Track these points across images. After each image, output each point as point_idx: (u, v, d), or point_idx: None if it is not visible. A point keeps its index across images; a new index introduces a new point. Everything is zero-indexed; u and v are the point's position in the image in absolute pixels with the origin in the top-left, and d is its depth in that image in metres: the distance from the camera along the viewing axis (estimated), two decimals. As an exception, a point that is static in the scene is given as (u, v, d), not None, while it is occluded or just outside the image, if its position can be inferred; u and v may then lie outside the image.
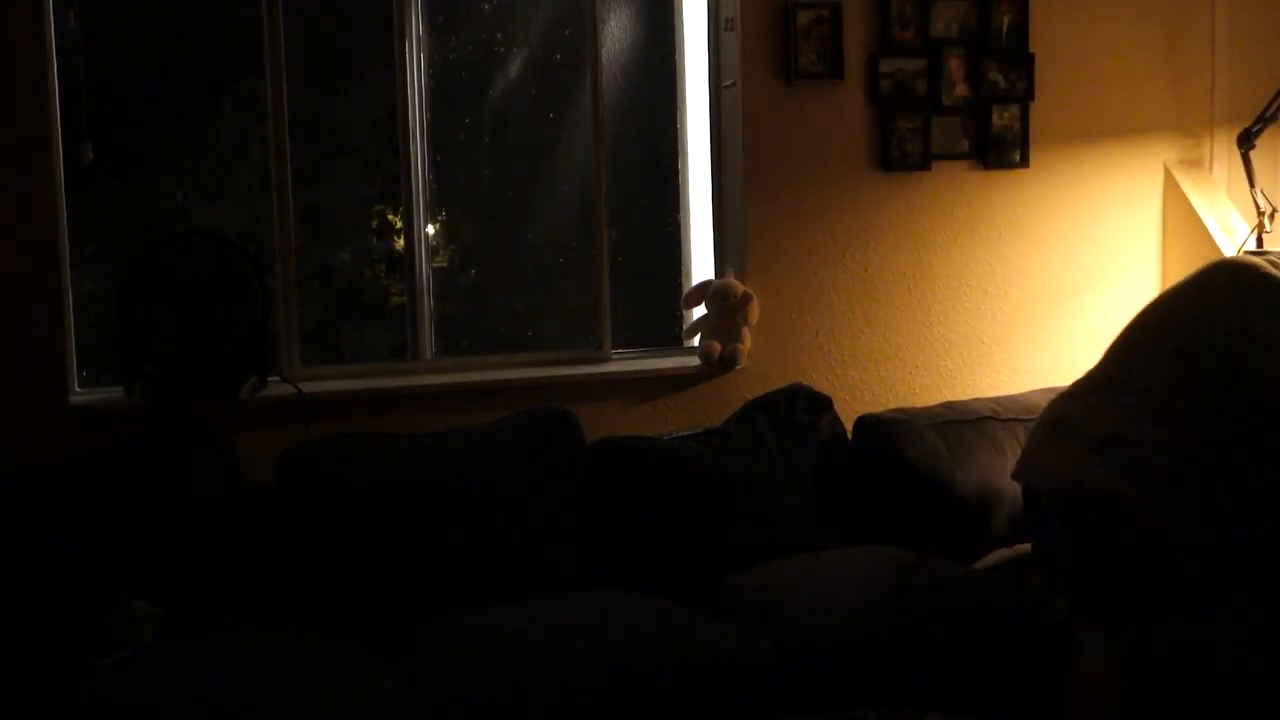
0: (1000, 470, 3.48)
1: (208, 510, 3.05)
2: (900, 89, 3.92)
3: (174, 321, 3.27)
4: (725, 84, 3.93)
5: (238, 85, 3.73)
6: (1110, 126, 4.16)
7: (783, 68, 3.83)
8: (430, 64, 3.78)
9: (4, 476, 2.97)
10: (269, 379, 3.46)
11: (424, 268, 3.78)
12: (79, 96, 3.38)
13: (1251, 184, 3.86)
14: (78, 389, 3.39)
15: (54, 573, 2.85)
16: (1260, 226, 3.88)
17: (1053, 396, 3.08)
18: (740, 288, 3.80)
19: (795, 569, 3.22)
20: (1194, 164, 4.22)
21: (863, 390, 3.98)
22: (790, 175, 3.87)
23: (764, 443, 3.55)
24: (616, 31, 3.96)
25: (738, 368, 3.83)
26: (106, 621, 2.73)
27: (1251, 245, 3.89)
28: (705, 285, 3.87)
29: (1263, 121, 3.80)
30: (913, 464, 3.52)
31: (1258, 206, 3.87)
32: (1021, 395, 3.86)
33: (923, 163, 3.97)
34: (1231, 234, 3.99)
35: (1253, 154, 3.84)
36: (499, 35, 3.95)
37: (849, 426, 3.73)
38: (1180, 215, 4.15)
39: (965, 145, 4.01)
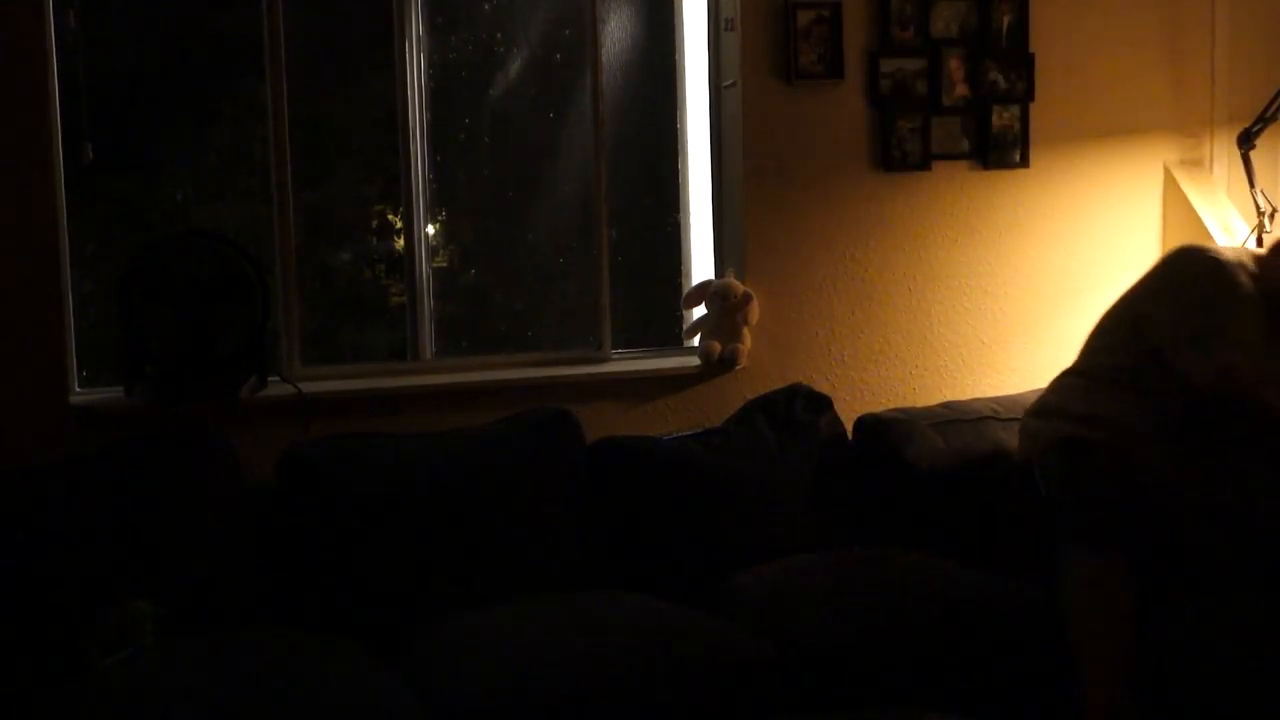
0: (1000, 470, 3.48)
1: (207, 510, 3.05)
2: (900, 89, 3.92)
3: (174, 321, 3.27)
4: (725, 84, 3.93)
5: (238, 85, 3.73)
6: (1110, 126, 4.16)
7: (783, 68, 3.83)
8: (430, 64, 3.78)
9: (4, 476, 2.97)
10: (269, 379, 3.46)
11: (424, 268, 3.78)
12: (79, 96, 3.38)
13: (1251, 184, 3.86)
14: (78, 389, 3.39)
15: (54, 573, 2.84)
16: (1260, 226, 3.88)
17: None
18: (740, 288, 3.80)
19: (795, 569, 3.22)
20: (1194, 164, 4.22)
21: (863, 390, 3.98)
22: (790, 175, 3.88)
23: (764, 443, 3.55)
24: (616, 31, 3.96)
25: (738, 368, 3.83)
26: (106, 621, 2.73)
27: (1251, 245, 3.89)
28: (705, 285, 3.87)
29: (1263, 121, 3.80)
30: (913, 464, 3.52)
31: (1258, 206, 3.87)
32: (1021, 395, 3.86)
33: (923, 163, 3.97)
34: (1231, 234, 3.99)
35: (1253, 154, 3.84)
36: (499, 35, 3.95)
37: (849, 426, 3.73)
38: (1180, 215, 4.15)
39: (965, 145, 4.01)
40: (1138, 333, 3.19)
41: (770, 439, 3.56)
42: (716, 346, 3.80)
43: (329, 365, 3.73)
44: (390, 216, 3.91)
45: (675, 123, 4.09)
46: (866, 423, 3.67)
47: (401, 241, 3.83)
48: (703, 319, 3.87)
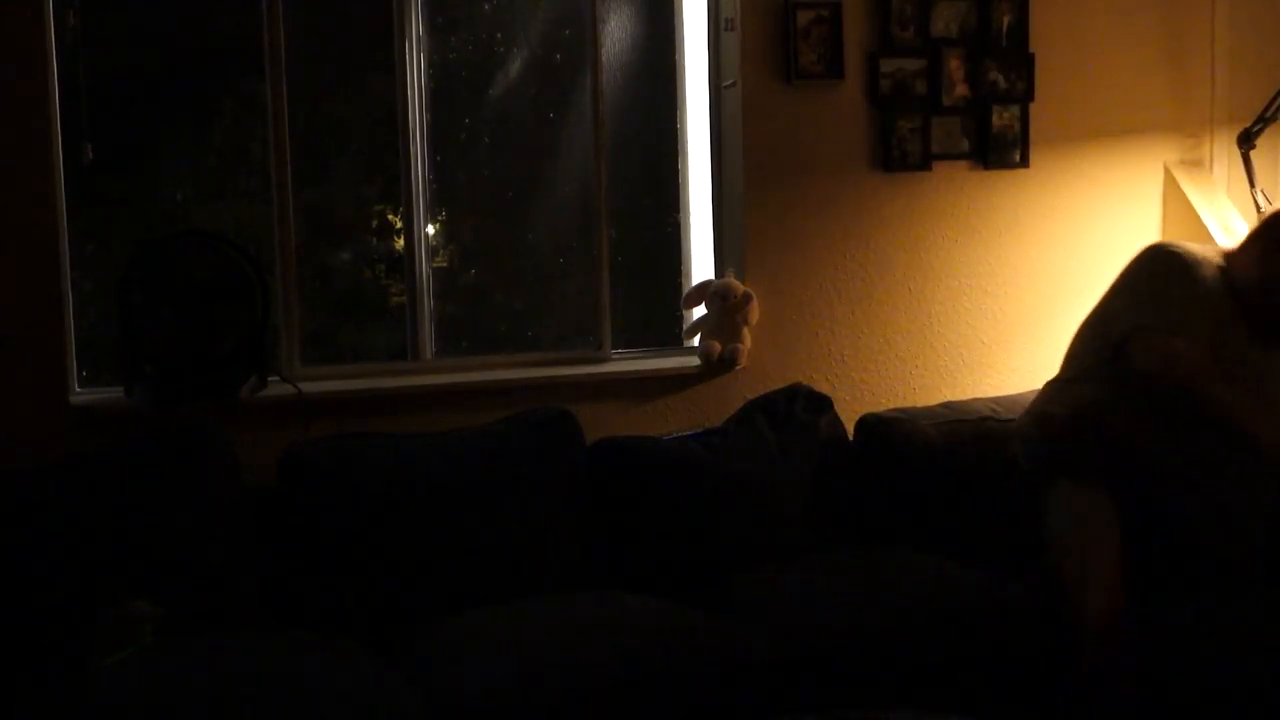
0: (999, 471, 3.48)
1: (207, 510, 3.05)
2: (900, 89, 3.92)
3: (174, 321, 3.27)
4: (725, 84, 3.93)
5: (238, 85, 3.73)
6: (1110, 126, 4.16)
7: (783, 68, 3.83)
8: (430, 64, 3.78)
9: (4, 476, 2.97)
10: (269, 379, 3.46)
11: (424, 268, 3.78)
12: (79, 96, 3.38)
13: (1251, 184, 3.86)
14: (78, 389, 3.39)
15: (54, 573, 2.84)
16: (1260, 226, 3.88)
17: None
18: (740, 288, 3.80)
19: (795, 569, 3.22)
20: (1194, 164, 4.22)
21: (863, 390, 3.98)
22: (790, 175, 3.87)
23: (764, 443, 3.55)
24: (616, 31, 3.96)
25: (738, 368, 3.83)
26: (106, 621, 2.73)
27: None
28: (705, 285, 3.87)
29: (1263, 121, 3.80)
30: (914, 464, 3.52)
31: (1258, 206, 3.87)
32: (1021, 395, 3.85)
33: (923, 163, 3.97)
34: (1231, 234, 3.99)
35: (1253, 154, 3.84)
36: (499, 35, 3.95)
37: (850, 426, 3.73)
38: (1180, 215, 4.15)
39: (965, 145, 4.01)
40: (1106, 329, 3.30)
41: (770, 439, 3.56)
42: (716, 346, 3.80)
43: (329, 365, 3.73)
44: (390, 216, 3.91)
45: (675, 123, 4.09)
46: (868, 422, 3.67)
47: (401, 241, 3.83)
48: (703, 319, 3.87)
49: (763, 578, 3.19)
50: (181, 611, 2.83)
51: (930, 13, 3.92)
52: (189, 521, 3.00)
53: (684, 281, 4.11)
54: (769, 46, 3.81)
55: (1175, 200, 4.18)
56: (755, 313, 3.82)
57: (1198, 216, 4.08)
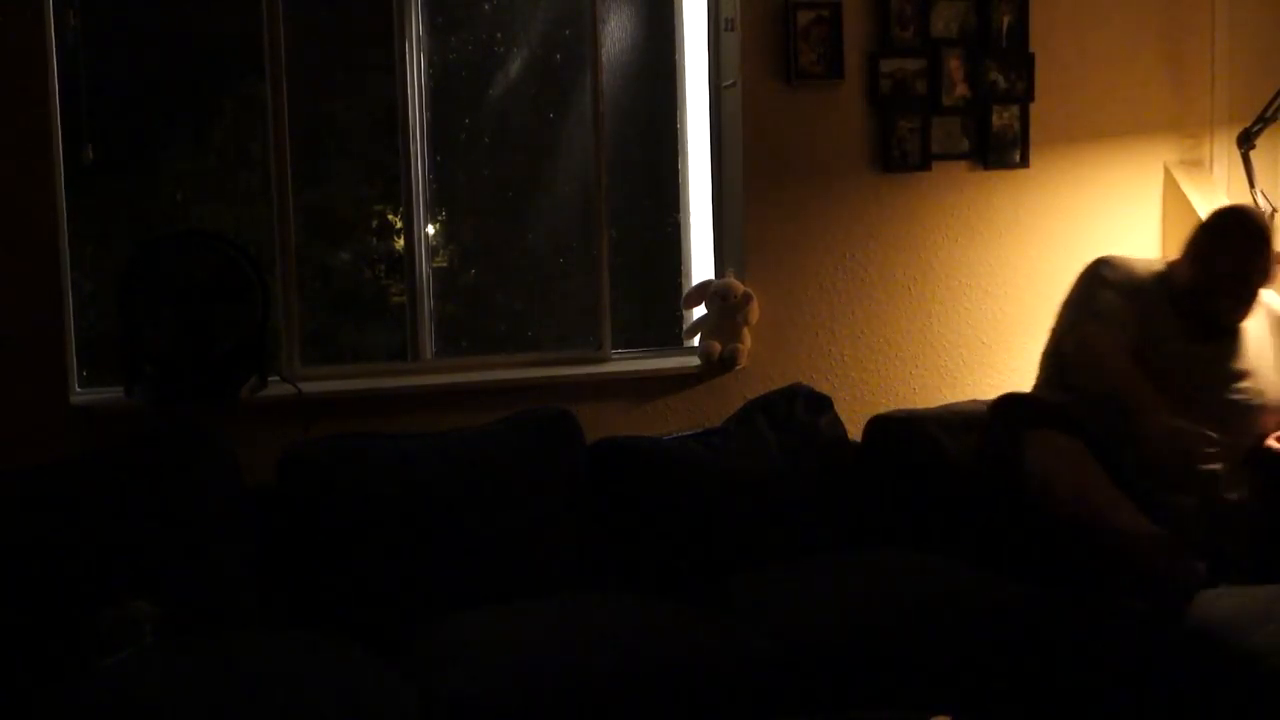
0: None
1: (207, 510, 3.05)
2: (900, 89, 3.92)
3: (174, 321, 3.27)
4: (725, 84, 3.93)
5: (238, 85, 3.73)
6: (1110, 126, 4.16)
7: (783, 68, 3.83)
8: (430, 64, 3.78)
9: (4, 476, 2.97)
10: (269, 379, 3.46)
11: (424, 268, 3.78)
12: (79, 96, 3.38)
13: (1251, 184, 3.86)
14: (78, 389, 3.39)
15: (54, 573, 2.84)
16: (1260, 226, 3.88)
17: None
18: (740, 288, 3.80)
19: (795, 569, 3.22)
20: (1194, 164, 4.22)
21: (863, 390, 3.98)
22: (790, 175, 3.88)
23: (764, 443, 3.55)
24: (616, 31, 3.97)
25: (738, 368, 3.83)
26: (106, 621, 2.73)
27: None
28: (705, 285, 3.87)
29: (1263, 121, 3.80)
30: (924, 465, 3.52)
31: (1258, 207, 3.87)
32: (1021, 395, 3.86)
33: (923, 163, 3.97)
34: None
35: (1253, 154, 3.84)
36: (499, 35, 3.95)
37: (850, 426, 3.73)
38: (1180, 215, 4.15)
39: (965, 145, 4.01)
40: (1054, 344, 3.51)
41: (770, 439, 3.56)
42: (716, 346, 3.80)
43: (329, 365, 3.73)
44: (390, 216, 3.91)
45: (675, 123, 4.09)
46: (878, 424, 3.67)
47: (401, 241, 3.83)
48: (703, 319, 3.87)
49: (763, 578, 3.19)
50: (181, 611, 2.83)
51: (930, 13, 3.92)
52: (189, 521, 3.00)
53: (684, 281, 4.11)
54: (769, 46, 3.82)
55: (1175, 200, 4.18)
56: (755, 313, 3.82)
57: (1198, 216, 4.07)
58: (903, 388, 4.02)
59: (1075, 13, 4.09)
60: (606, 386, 3.76)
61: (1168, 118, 4.21)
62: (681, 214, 4.12)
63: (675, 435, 3.59)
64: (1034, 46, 4.03)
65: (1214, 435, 3.17)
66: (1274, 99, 3.76)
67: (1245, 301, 3.27)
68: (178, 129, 3.73)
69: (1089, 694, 3.03)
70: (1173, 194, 4.19)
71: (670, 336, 4.08)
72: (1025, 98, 4.03)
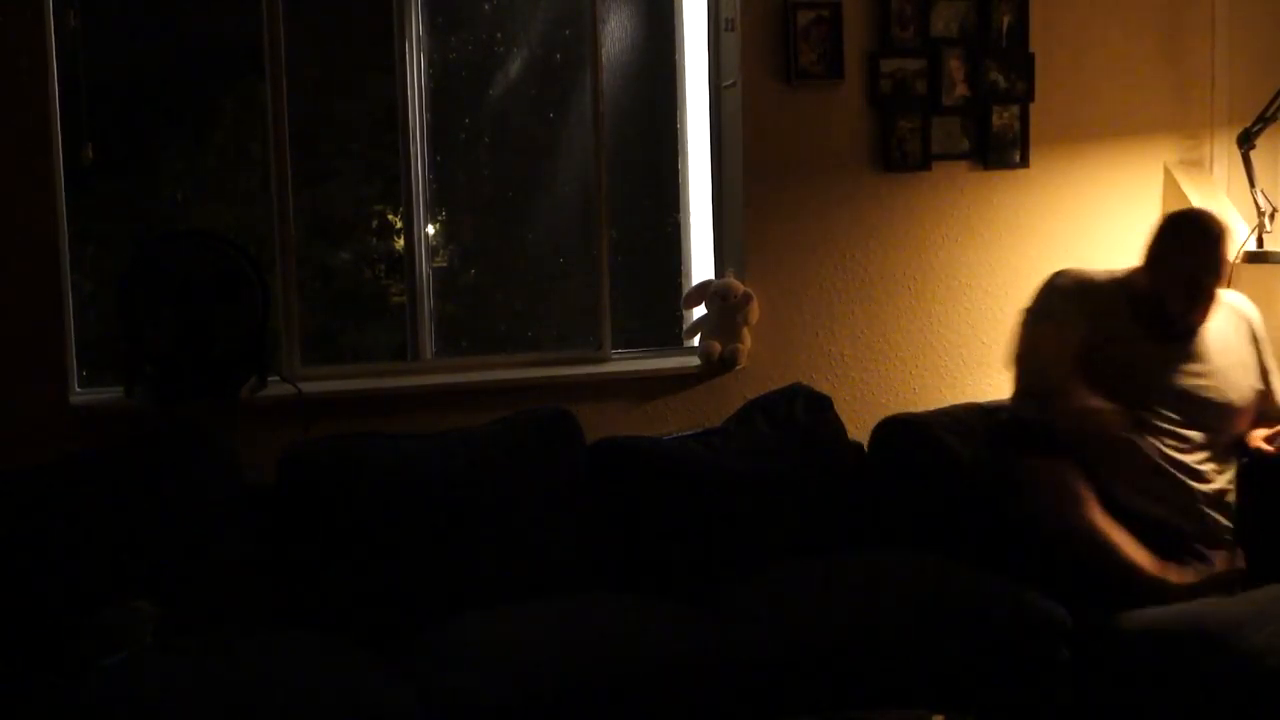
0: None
1: (207, 510, 3.05)
2: (900, 89, 3.92)
3: (174, 321, 3.27)
4: (725, 84, 3.93)
5: (238, 85, 3.73)
6: (1110, 126, 4.16)
7: (783, 68, 3.83)
8: (430, 64, 3.78)
9: (4, 476, 2.97)
10: (269, 379, 3.46)
11: (424, 268, 3.78)
12: (79, 96, 3.38)
13: (1251, 184, 3.86)
14: (78, 389, 3.39)
15: (54, 573, 2.84)
16: (1260, 226, 3.88)
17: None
18: (740, 288, 3.80)
19: (795, 570, 3.22)
20: (1194, 164, 4.22)
21: (863, 390, 3.98)
22: (790, 175, 3.88)
23: (764, 443, 3.55)
24: (616, 31, 3.97)
25: (738, 368, 3.83)
26: (106, 621, 2.73)
27: (1252, 245, 3.90)
28: (705, 285, 3.87)
29: (1263, 121, 3.80)
30: (927, 468, 3.53)
31: (1258, 206, 3.87)
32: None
33: (923, 163, 3.97)
34: (1232, 234, 3.98)
35: (1253, 154, 3.84)
36: (499, 35, 3.95)
37: (849, 426, 3.73)
38: (1180, 215, 4.15)
39: (965, 145, 4.01)
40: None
41: (770, 439, 3.56)
42: (716, 346, 3.80)
43: (329, 365, 3.73)
44: (390, 216, 3.91)
45: (675, 123, 4.09)
46: (887, 426, 3.67)
47: (401, 241, 3.83)
48: (703, 319, 3.87)
49: (763, 578, 3.19)
50: (181, 611, 2.83)
51: (930, 13, 3.92)
52: (189, 521, 3.00)
53: (684, 281, 4.11)
54: (769, 46, 3.81)
55: (1175, 200, 4.17)
56: (755, 313, 3.82)
57: (1198, 216, 4.07)
58: (903, 388, 4.02)
59: (1075, 13, 4.09)
60: (606, 386, 3.76)
61: (1168, 118, 4.21)
62: (681, 214, 4.12)
63: (675, 435, 3.59)
64: (1034, 46, 4.03)
65: (1126, 411, 3.19)
66: (1274, 99, 3.76)
67: (1203, 302, 3.31)
68: (178, 129, 3.73)
69: (1088, 694, 3.03)
70: (1173, 194, 4.19)
71: (670, 336, 4.08)
72: (1025, 98, 4.03)
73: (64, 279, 3.33)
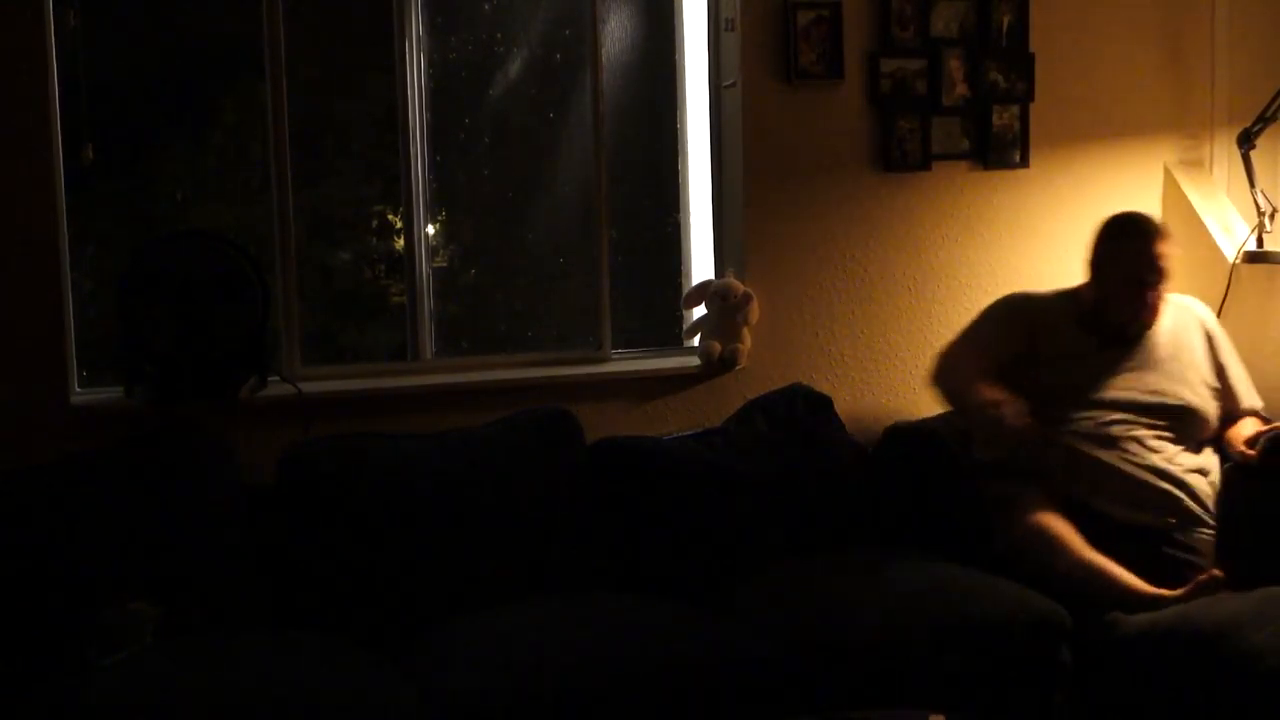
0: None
1: (207, 510, 3.05)
2: (900, 89, 3.92)
3: (174, 321, 3.27)
4: (725, 84, 3.93)
5: (238, 85, 3.73)
6: (1110, 126, 4.16)
7: (783, 68, 3.83)
8: (430, 64, 3.78)
9: (4, 476, 2.97)
10: (269, 379, 3.46)
11: (424, 268, 3.78)
12: (79, 96, 3.38)
13: (1251, 184, 3.85)
14: (78, 389, 3.39)
15: (54, 573, 2.84)
16: (1260, 226, 3.88)
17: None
18: (740, 288, 3.80)
19: (795, 569, 3.22)
20: (1194, 164, 4.21)
21: (863, 390, 3.98)
22: (790, 175, 3.87)
23: (764, 443, 3.55)
24: (616, 31, 3.97)
25: (738, 368, 3.83)
26: (106, 621, 2.73)
27: (1251, 245, 3.89)
28: (705, 285, 3.87)
29: (1263, 121, 3.80)
30: (932, 471, 3.55)
31: (1258, 206, 3.87)
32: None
33: (923, 163, 3.97)
34: (1231, 234, 3.99)
35: (1253, 154, 3.84)
36: (499, 35, 3.95)
37: (850, 426, 3.73)
38: (1180, 215, 4.15)
39: (965, 145, 4.01)
40: None
41: (770, 439, 3.56)
42: (716, 346, 3.80)
43: (329, 365, 3.73)
44: (390, 216, 3.91)
45: (675, 123, 4.09)
46: (898, 431, 3.70)
47: (401, 241, 3.83)
48: (703, 319, 3.87)
49: (763, 578, 3.19)
50: (181, 611, 2.84)
51: (930, 13, 3.92)
52: (189, 521, 3.01)
53: (684, 281, 4.11)
54: (769, 46, 3.81)
55: (1175, 200, 4.17)
56: (755, 313, 3.82)
57: (1198, 216, 4.07)
58: (903, 388, 4.02)
59: (1075, 13, 4.09)
60: (606, 386, 3.75)
61: (1168, 118, 4.21)
62: (681, 214, 4.12)
63: (675, 435, 3.59)
64: (1034, 46, 4.03)
65: (1023, 401, 3.24)
66: (1274, 99, 3.75)
67: (1149, 302, 3.37)
68: (178, 129, 3.73)
69: (1088, 694, 3.03)
70: (1173, 194, 4.18)
71: (670, 336, 4.08)
72: (1025, 98, 4.03)
73: (64, 279, 3.33)
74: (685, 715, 2.72)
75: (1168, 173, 4.20)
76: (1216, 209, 4.09)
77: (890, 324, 4.01)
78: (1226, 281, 3.92)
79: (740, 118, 3.83)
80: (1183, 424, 3.35)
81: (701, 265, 4.08)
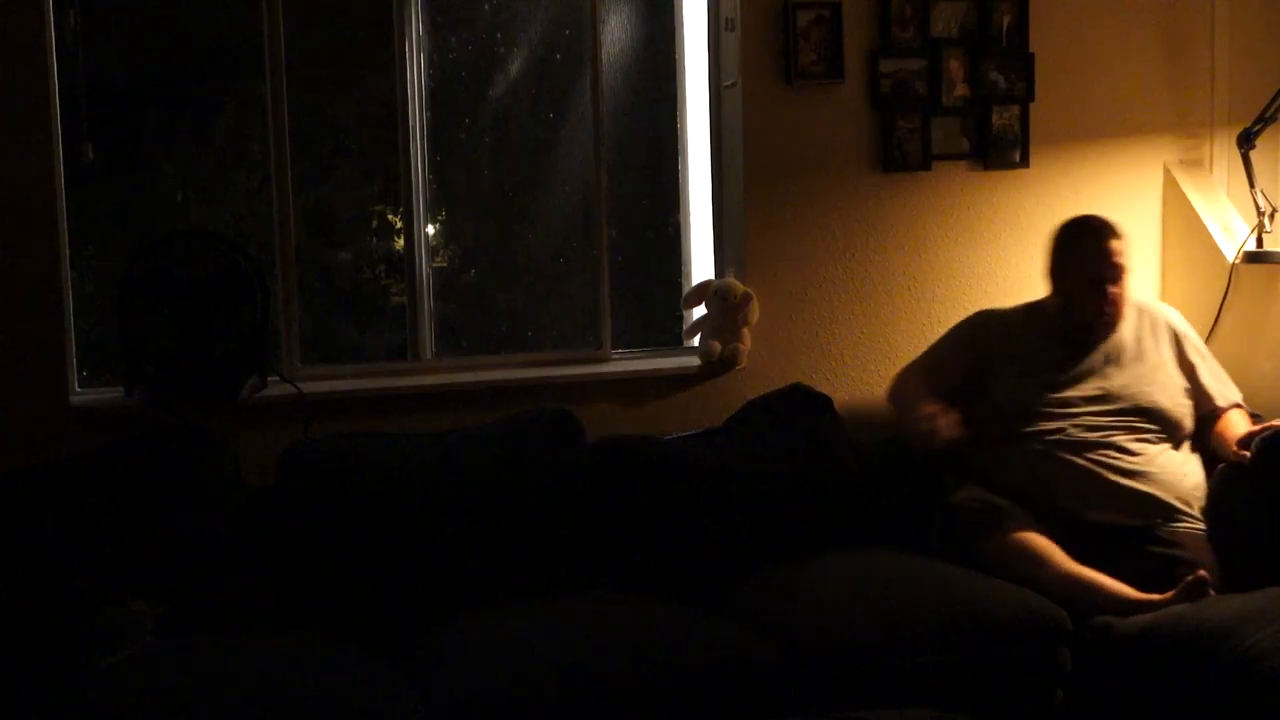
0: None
1: (207, 510, 3.05)
2: (900, 89, 3.92)
3: (174, 321, 3.27)
4: (725, 84, 3.93)
5: (238, 85, 3.73)
6: (1110, 126, 4.16)
7: (783, 68, 3.83)
8: (430, 64, 3.78)
9: (4, 476, 2.97)
10: (269, 379, 3.46)
11: (424, 268, 3.78)
12: (79, 96, 3.38)
13: (1251, 184, 3.86)
14: (78, 389, 3.39)
15: (54, 572, 2.84)
16: (1260, 226, 3.88)
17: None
18: (740, 288, 3.80)
19: (796, 570, 3.22)
20: (1194, 164, 4.21)
21: (863, 390, 3.98)
22: (790, 175, 3.87)
23: (764, 443, 3.54)
24: (616, 31, 3.97)
25: (738, 368, 3.83)
26: (106, 621, 2.73)
27: (1251, 245, 3.89)
28: (705, 285, 3.87)
29: (1263, 121, 3.80)
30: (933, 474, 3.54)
31: (1258, 206, 3.87)
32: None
33: (923, 163, 3.97)
34: (1231, 234, 3.99)
35: (1253, 154, 3.84)
36: (499, 35, 3.95)
37: (849, 426, 3.73)
38: (1180, 215, 4.15)
39: (965, 145, 4.01)
40: None
41: (770, 439, 3.56)
42: (717, 346, 3.80)
43: (329, 365, 3.73)
44: (390, 216, 3.91)
45: (675, 123, 4.09)
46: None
47: (401, 241, 3.83)
48: (703, 319, 3.87)
49: (763, 578, 3.18)
50: (181, 611, 2.83)
51: (930, 13, 3.92)
52: (189, 521, 3.01)
53: (684, 281, 4.11)
54: (769, 46, 3.81)
55: (1175, 200, 4.18)
56: (755, 313, 3.82)
57: (1198, 216, 4.08)
58: (903, 388, 4.02)
59: (1075, 13, 4.09)
60: (606, 386, 3.75)
61: (1168, 118, 4.21)
62: (681, 214, 4.12)
63: (675, 435, 3.59)
64: (1034, 46, 4.03)
65: (957, 414, 3.35)
66: (1274, 99, 3.76)
67: (1109, 302, 3.40)
68: (178, 129, 3.73)
69: (1088, 695, 3.03)
70: (1173, 194, 4.19)
71: (670, 336, 4.08)
72: (1025, 98, 4.03)
73: (64, 279, 3.33)
74: (685, 715, 2.72)
75: (1168, 173, 4.20)
76: (1216, 209, 4.09)
77: (890, 324, 4.01)
78: (1226, 281, 3.92)
79: (740, 118, 3.83)
80: (1156, 424, 3.37)
81: (701, 265, 4.08)
